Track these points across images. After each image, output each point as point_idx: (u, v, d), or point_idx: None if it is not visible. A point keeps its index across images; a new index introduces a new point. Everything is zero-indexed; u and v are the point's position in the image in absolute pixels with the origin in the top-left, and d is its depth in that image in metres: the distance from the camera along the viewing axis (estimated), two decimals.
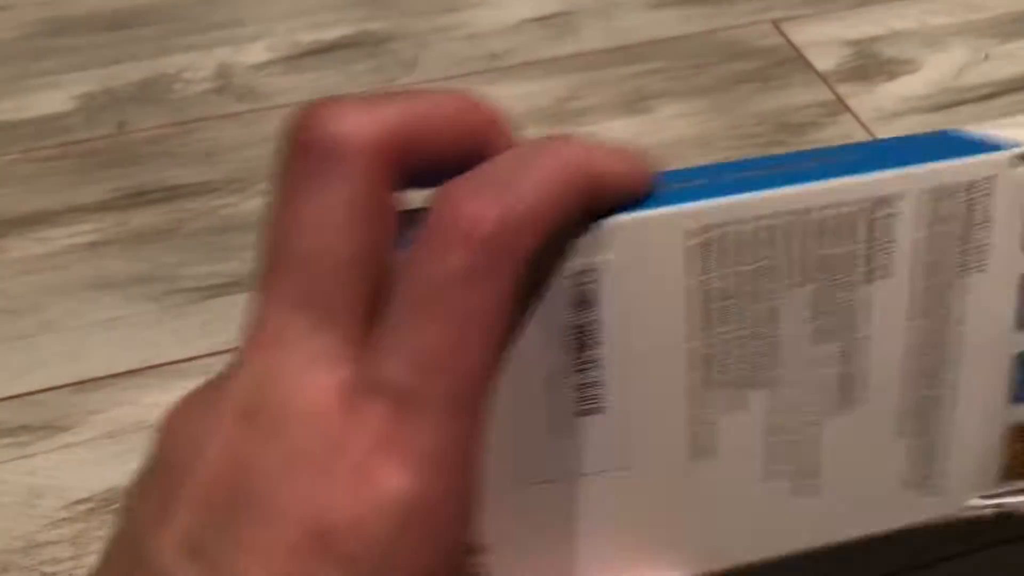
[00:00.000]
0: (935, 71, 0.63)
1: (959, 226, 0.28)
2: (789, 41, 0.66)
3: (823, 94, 0.62)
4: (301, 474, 0.19)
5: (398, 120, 0.22)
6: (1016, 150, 0.29)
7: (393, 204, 0.22)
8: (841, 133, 0.59)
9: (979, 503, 0.30)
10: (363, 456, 0.19)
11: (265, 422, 0.20)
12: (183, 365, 0.48)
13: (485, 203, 0.21)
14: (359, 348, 0.21)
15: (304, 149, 0.21)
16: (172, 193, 0.56)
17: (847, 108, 0.61)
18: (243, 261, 0.52)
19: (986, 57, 0.64)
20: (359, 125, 0.21)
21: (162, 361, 0.48)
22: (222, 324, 0.49)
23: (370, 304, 0.21)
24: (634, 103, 0.61)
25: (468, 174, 0.22)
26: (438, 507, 0.20)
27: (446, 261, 0.20)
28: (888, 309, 0.28)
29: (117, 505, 0.43)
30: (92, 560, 0.41)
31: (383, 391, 0.20)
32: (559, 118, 0.60)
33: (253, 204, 0.55)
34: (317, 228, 0.20)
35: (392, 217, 0.22)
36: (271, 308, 0.21)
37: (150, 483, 0.22)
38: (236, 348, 0.22)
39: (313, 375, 0.20)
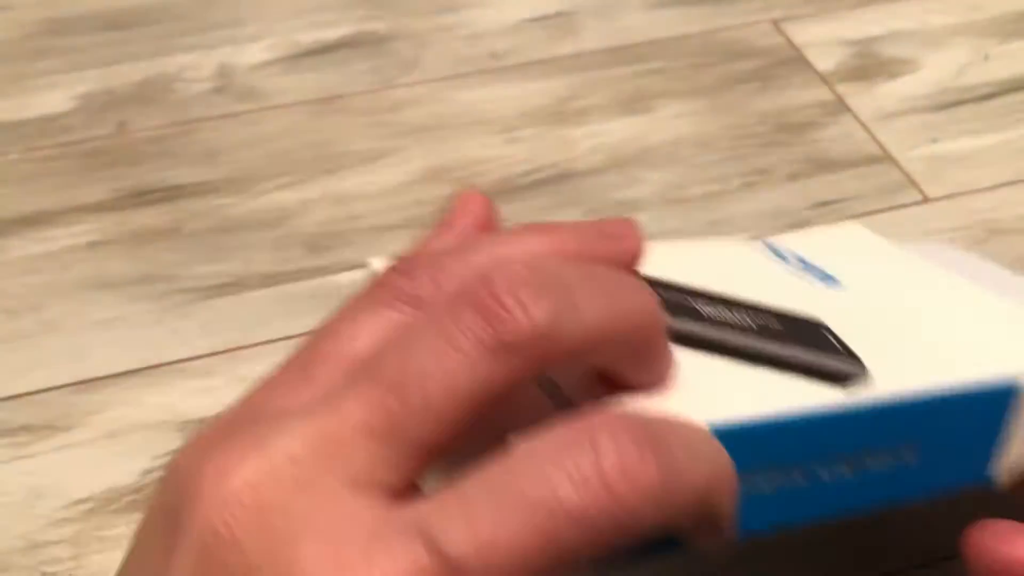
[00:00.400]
0: (935, 71, 0.63)
1: None
2: (789, 41, 0.66)
3: (823, 94, 0.62)
4: None
5: (582, 339, 0.22)
6: None
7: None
8: (841, 133, 0.59)
9: None
10: None
11: (277, 523, 0.20)
12: (183, 365, 0.48)
13: (648, 467, 0.20)
14: (408, 496, 0.21)
15: (485, 313, 0.21)
16: (172, 193, 0.56)
17: (847, 108, 0.61)
18: (244, 261, 0.52)
19: (986, 57, 0.64)
20: (547, 336, 0.21)
21: (162, 361, 0.48)
22: (222, 324, 0.49)
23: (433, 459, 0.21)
24: (634, 103, 0.61)
25: (638, 418, 0.21)
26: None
27: (583, 492, 0.20)
28: None
29: (116, 506, 0.43)
30: (92, 560, 0.41)
31: (429, 545, 0.19)
32: (559, 118, 0.60)
33: (254, 204, 0.55)
34: (446, 390, 0.21)
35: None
36: (354, 412, 0.21)
37: (155, 536, 0.23)
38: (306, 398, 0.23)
39: (351, 502, 0.20)
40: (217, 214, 0.55)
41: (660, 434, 0.21)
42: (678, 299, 0.29)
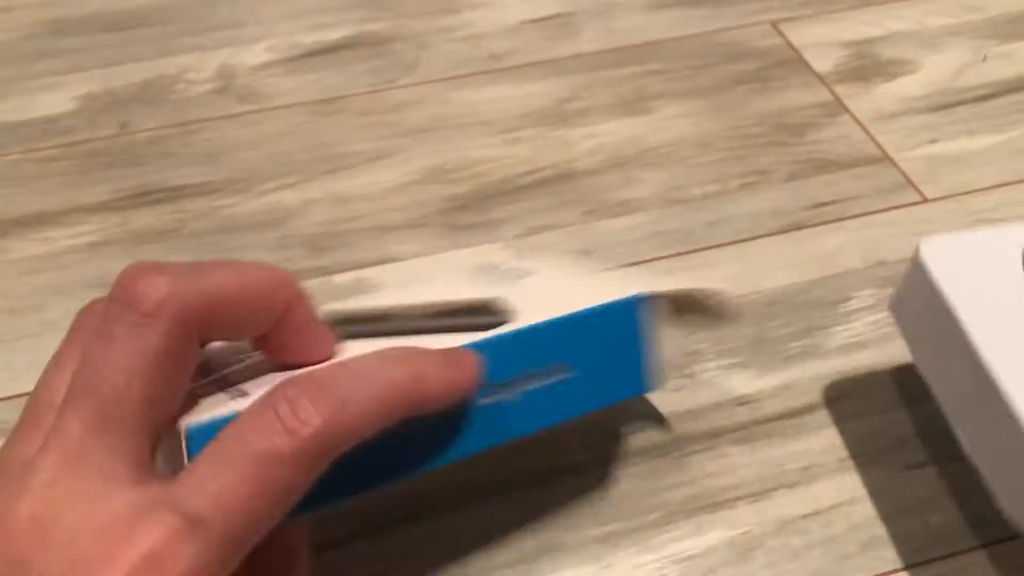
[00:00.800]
0: (933, 72, 0.63)
1: None
2: (788, 42, 0.66)
3: (822, 95, 0.62)
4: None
5: (204, 292, 0.28)
6: None
7: (194, 356, 0.29)
8: (840, 133, 0.59)
9: None
10: (137, 563, 0.24)
11: (58, 535, 0.25)
12: None
13: (319, 408, 0.27)
14: (147, 472, 0.26)
15: (126, 303, 0.28)
16: (174, 193, 0.56)
17: (845, 109, 0.61)
18: None
19: (985, 58, 0.64)
20: (172, 293, 0.28)
21: None
22: None
23: (158, 436, 0.28)
24: (633, 104, 0.61)
25: (305, 375, 0.28)
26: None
27: (271, 441, 0.26)
28: None
29: None
30: None
31: (174, 511, 0.25)
32: (559, 119, 0.60)
33: (254, 205, 0.55)
34: (124, 370, 0.27)
35: (190, 366, 0.29)
36: (75, 426, 0.26)
37: None
38: (33, 454, 0.27)
39: (106, 498, 0.25)
40: (218, 215, 0.55)
41: (323, 378, 0.27)
42: (374, 315, 0.37)
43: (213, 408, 0.30)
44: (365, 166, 0.57)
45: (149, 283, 0.28)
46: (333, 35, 0.66)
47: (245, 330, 0.30)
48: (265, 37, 0.66)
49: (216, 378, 0.32)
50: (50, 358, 0.32)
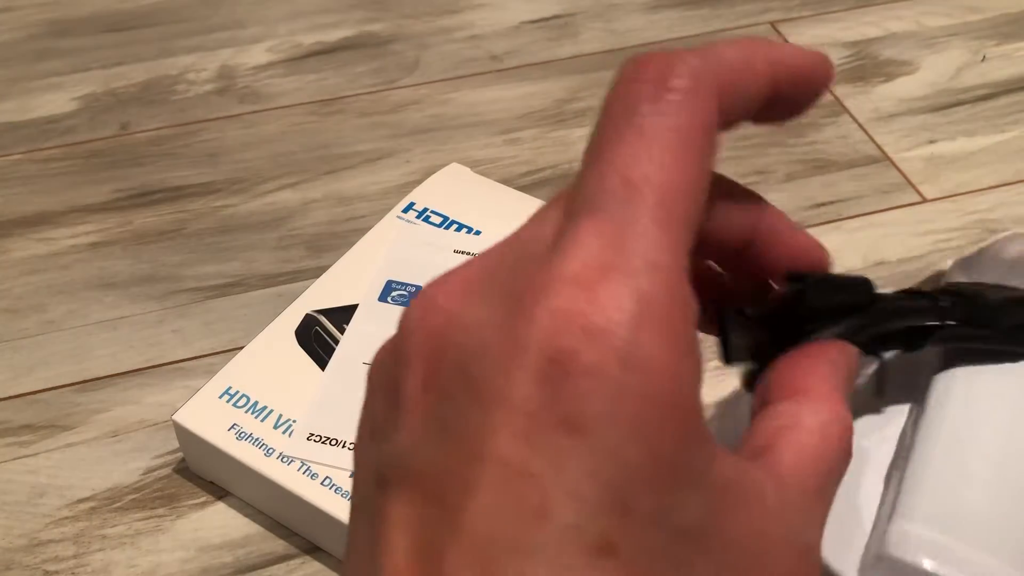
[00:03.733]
0: (933, 72, 0.64)
1: None
2: (787, 42, 0.66)
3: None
4: (525, 309, 0.19)
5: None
6: None
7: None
8: (839, 134, 0.59)
9: None
10: (583, 273, 0.19)
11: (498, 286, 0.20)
12: (185, 364, 0.48)
13: (683, 54, 0.21)
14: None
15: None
16: (174, 194, 0.56)
17: (845, 109, 0.61)
18: (245, 261, 0.53)
19: (984, 58, 0.64)
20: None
21: (164, 361, 0.48)
22: (224, 324, 0.50)
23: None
24: None
25: None
26: (667, 307, 0.19)
27: (647, 87, 0.21)
28: None
29: (118, 505, 0.43)
30: (94, 559, 0.41)
31: (596, 208, 0.20)
32: (558, 119, 0.60)
33: (255, 205, 0.55)
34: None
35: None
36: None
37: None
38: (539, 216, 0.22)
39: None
40: (219, 215, 0.55)
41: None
42: None
43: None
44: (365, 166, 0.58)
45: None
46: (334, 36, 0.67)
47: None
48: (266, 38, 0.66)
49: None
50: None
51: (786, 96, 0.24)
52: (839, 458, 0.23)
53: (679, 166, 0.20)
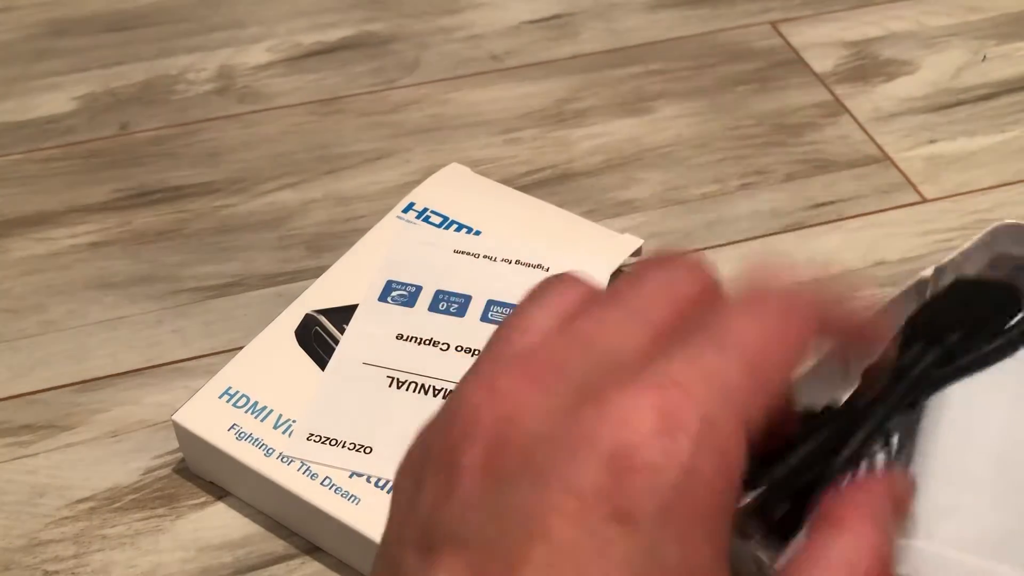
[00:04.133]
0: (933, 72, 0.63)
1: None
2: (787, 42, 0.66)
3: (821, 95, 0.62)
4: (600, 403, 0.21)
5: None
6: None
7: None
8: (839, 134, 0.59)
9: None
10: (662, 384, 0.21)
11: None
12: (185, 364, 0.48)
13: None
14: None
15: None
16: (174, 194, 0.56)
17: (845, 109, 0.61)
18: (245, 261, 0.52)
19: (984, 58, 0.64)
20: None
21: (164, 361, 0.48)
22: (224, 324, 0.50)
23: None
24: (633, 104, 0.61)
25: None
26: (727, 439, 0.21)
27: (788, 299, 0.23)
28: None
29: (118, 505, 0.43)
30: (94, 559, 0.41)
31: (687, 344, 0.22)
32: (558, 119, 0.60)
33: (255, 205, 0.55)
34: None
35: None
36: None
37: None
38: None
39: None
40: (218, 215, 0.55)
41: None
42: None
43: None
44: (365, 166, 0.58)
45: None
46: (333, 35, 0.67)
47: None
48: (265, 37, 0.66)
49: None
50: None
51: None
52: None
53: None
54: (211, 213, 0.55)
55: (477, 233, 0.49)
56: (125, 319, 0.50)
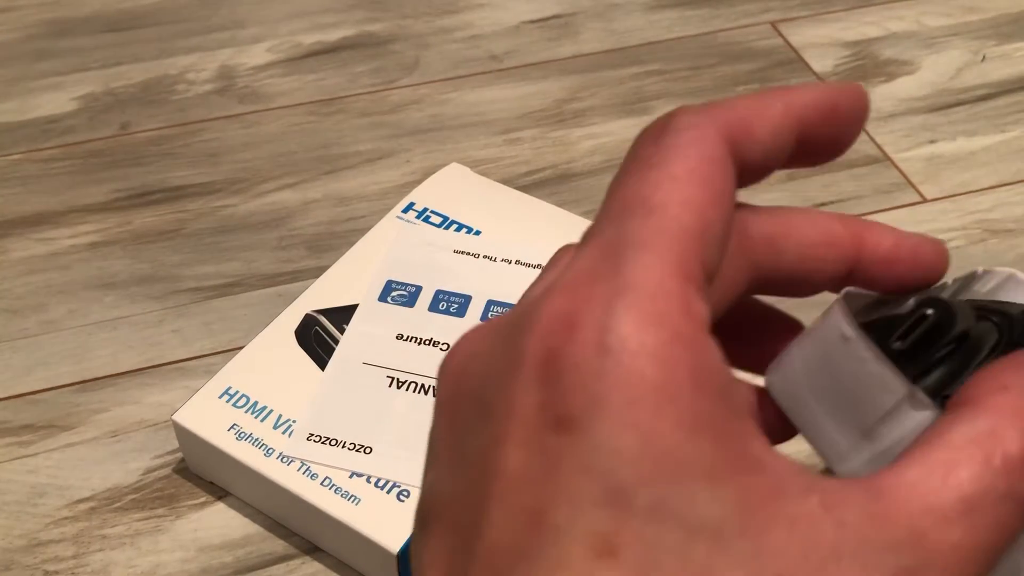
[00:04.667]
0: (932, 72, 0.63)
1: None
2: (787, 42, 0.66)
3: None
4: (524, 324, 0.19)
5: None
6: None
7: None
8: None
9: None
10: (575, 281, 0.19)
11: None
12: (185, 364, 0.48)
13: (685, 107, 0.22)
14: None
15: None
16: (174, 194, 0.56)
17: None
18: (245, 261, 0.53)
19: (983, 58, 0.64)
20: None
21: (164, 361, 0.48)
22: (224, 324, 0.50)
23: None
24: (633, 104, 0.61)
25: None
26: (653, 299, 0.18)
27: (649, 134, 0.22)
28: None
29: (118, 505, 0.43)
30: (94, 559, 0.41)
31: (594, 232, 0.20)
32: (558, 119, 0.60)
33: (255, 205, 0.55)
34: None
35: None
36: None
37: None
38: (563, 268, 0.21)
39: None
40: (218, 215, 0.55)
41: None
42: None
43: None
44: (365, 166, 0.58)
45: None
46: (334, 36, 0.67)
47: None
48: (266, 38, 0.66)
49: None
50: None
51: (820, 136, 0.24)
52: (983, 489, 0.18)
53: (678, 186, 0.20)
54: (211, 213, 0.55)
55: (477, 233, 0.49)
56: (125, 319, 0.50)
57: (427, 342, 0.44)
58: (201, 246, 0.53)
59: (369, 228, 0.49)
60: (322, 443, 0.41)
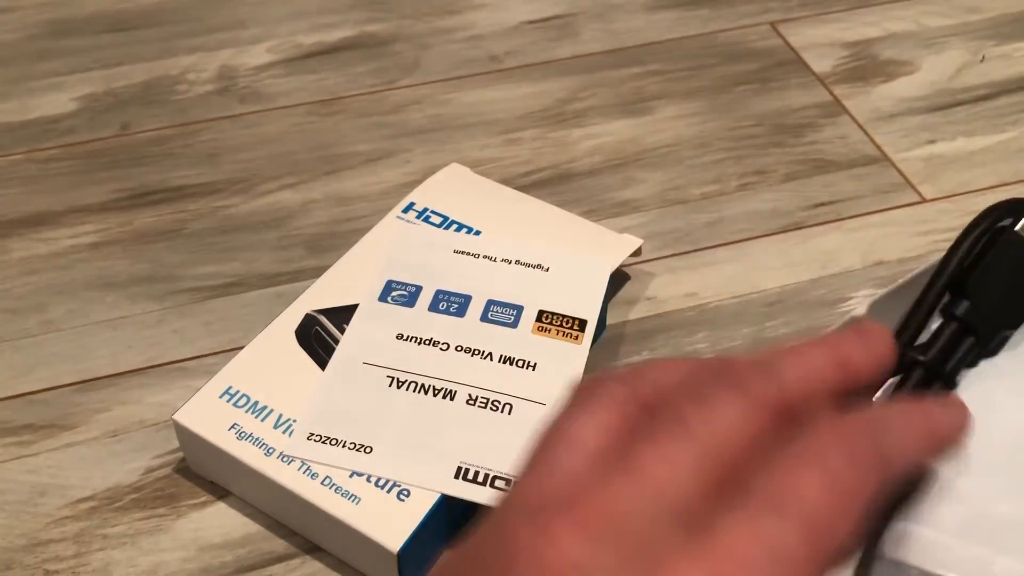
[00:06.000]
0: (932, 72, 0.64)
1: None
2: (787, 43, 0.66)
3: (821, 95, 0.62)
4: None
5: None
6: None
7: None
8: (838, 134, 0.59)
9: None
10: (714, 561, 0.20)
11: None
12: (185, 364, 0.48)
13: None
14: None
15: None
16: (174, 194, 0.56)
17: (844, 109, 0.61)
18: (245, 261, 0.53)
19: (983, 58, 0.65)
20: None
21: (165, 360, 0.48)
22: (224, 324, 0.50)
23: None
24: (633, 104, 0.61)
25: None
26: None
27: (850, 449, 0.23)
28: None
29: (118, 504, 0.43)
30: (94, 558, 0.41)
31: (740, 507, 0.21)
32: (559, 119, 0.60)
33: (255, 205, 0.56)
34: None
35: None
36: None
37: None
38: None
39: None
40: (219, 215, 0.55)
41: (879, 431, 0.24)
42: None
43: None
44: (365, 166, 0.58)
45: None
46: (334, 36, 0.67)
47: None
48: (266, 38, 0.66)
49: None
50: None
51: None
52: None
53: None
54: (211, 213, 0.55)
55: (477, 233, 0.49)
56: (126, 319, 0.50)
57: (427, 342, 0.44)
58: (201, 246, 0.53)
59: (369, 228, 0.49)
60: (322, 443, 0.41)
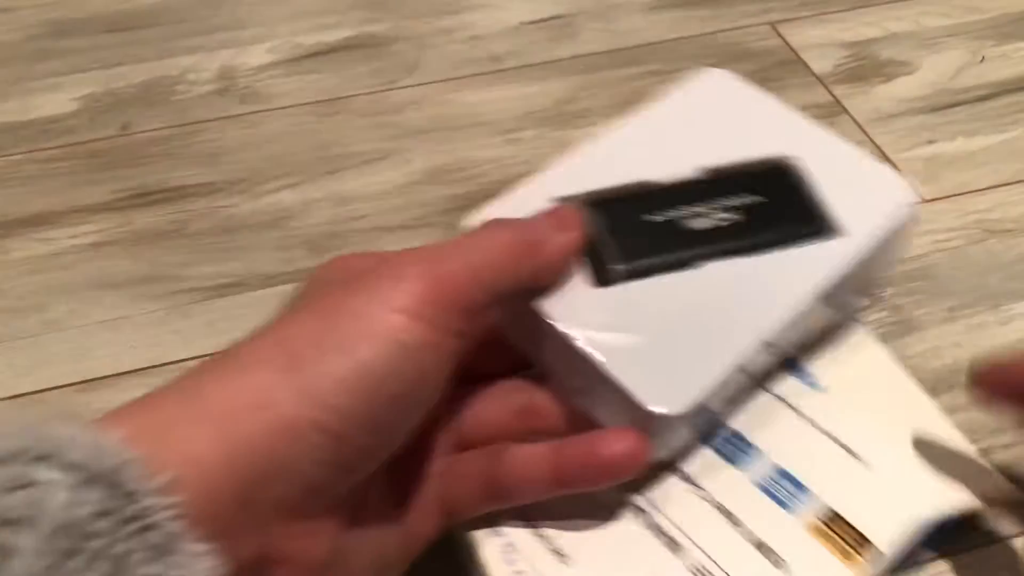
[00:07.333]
0: (932, 72, 0.64)
1: None
2: (787, 43, 0.66)
3: (821, 96, 0.62)
4: None
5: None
6: None
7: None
8: (838, 134, 0.59)
9: None
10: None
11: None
12: (186, 365, 0.48)
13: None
14: None
15: None
16: (175, 194, 0.56)
17: (844, 110, 0.61)
18: (246, 262, 0.53)
19: (983, 59, 0.65)
20: None
21: (166, 361, 0.48)
22: (226, 324, 0.50)
23: None
24: (633, 105, 0.61)
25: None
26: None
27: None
28: None
29: None
30: None
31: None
32: (559, 119, 0.60)
33: (255, 205, 0.56)
34: None
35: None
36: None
37: None
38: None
39: None
40: (219, 215, 0.55)
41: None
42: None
43: None
44: (365, 166, 0.58)
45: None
46: (334, 36, 0.67)
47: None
48: (266, 38, 0.66)
49: None
50: None
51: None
52: None
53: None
54: (212, 213, 0.55)
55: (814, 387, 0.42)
56: (126, 319, 0.50)
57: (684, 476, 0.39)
58: (202, 246, 0.53)
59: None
60: None
